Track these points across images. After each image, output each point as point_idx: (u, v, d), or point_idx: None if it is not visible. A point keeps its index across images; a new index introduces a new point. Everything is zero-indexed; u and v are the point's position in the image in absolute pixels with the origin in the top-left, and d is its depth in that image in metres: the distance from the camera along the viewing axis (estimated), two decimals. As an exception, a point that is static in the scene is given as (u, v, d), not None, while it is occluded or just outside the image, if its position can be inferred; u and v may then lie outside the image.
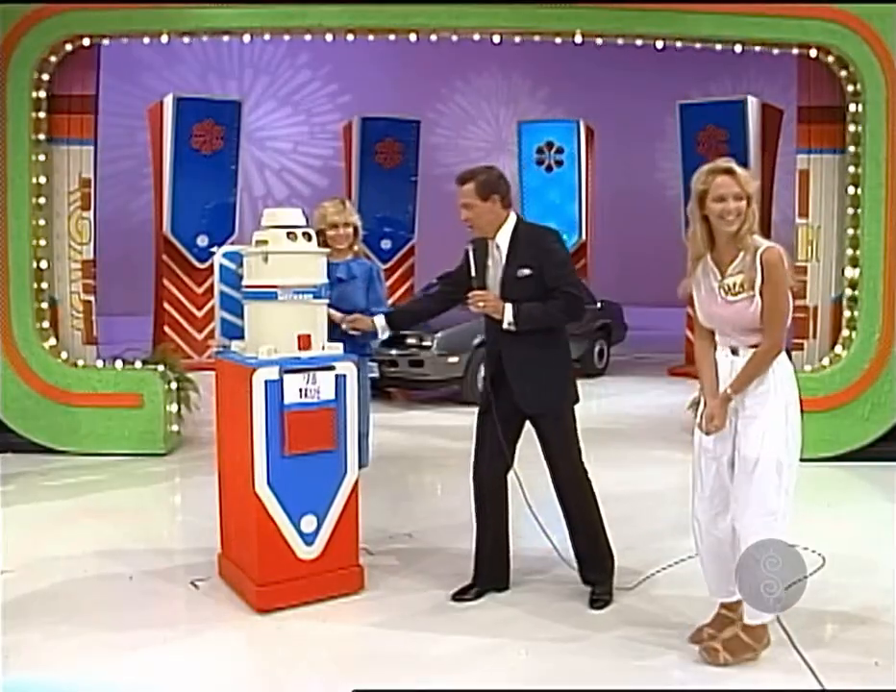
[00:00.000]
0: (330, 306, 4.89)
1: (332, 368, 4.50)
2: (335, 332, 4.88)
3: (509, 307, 4.38)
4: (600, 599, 4.59)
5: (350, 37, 7.56)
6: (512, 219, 4.53)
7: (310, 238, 4.69)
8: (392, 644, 4.23)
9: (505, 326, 4.40)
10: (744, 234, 3.79)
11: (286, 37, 7.76)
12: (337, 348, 4.64)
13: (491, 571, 4.73)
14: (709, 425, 3.91)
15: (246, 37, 7.98)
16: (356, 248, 5.36)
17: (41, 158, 7.45)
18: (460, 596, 4.67)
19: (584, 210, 12.82)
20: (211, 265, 12.33)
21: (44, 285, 7.49)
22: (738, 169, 3.81)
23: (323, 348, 4.61)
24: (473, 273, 4.51)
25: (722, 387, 3.92)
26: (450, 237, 15.66)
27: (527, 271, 4.40)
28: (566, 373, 4.60)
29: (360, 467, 4.91)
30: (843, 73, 7.33)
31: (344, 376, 4.54)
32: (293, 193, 15.32)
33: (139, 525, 5.89)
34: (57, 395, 7.39)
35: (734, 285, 3.82)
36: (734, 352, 3.91)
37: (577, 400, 4.63)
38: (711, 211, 3.80)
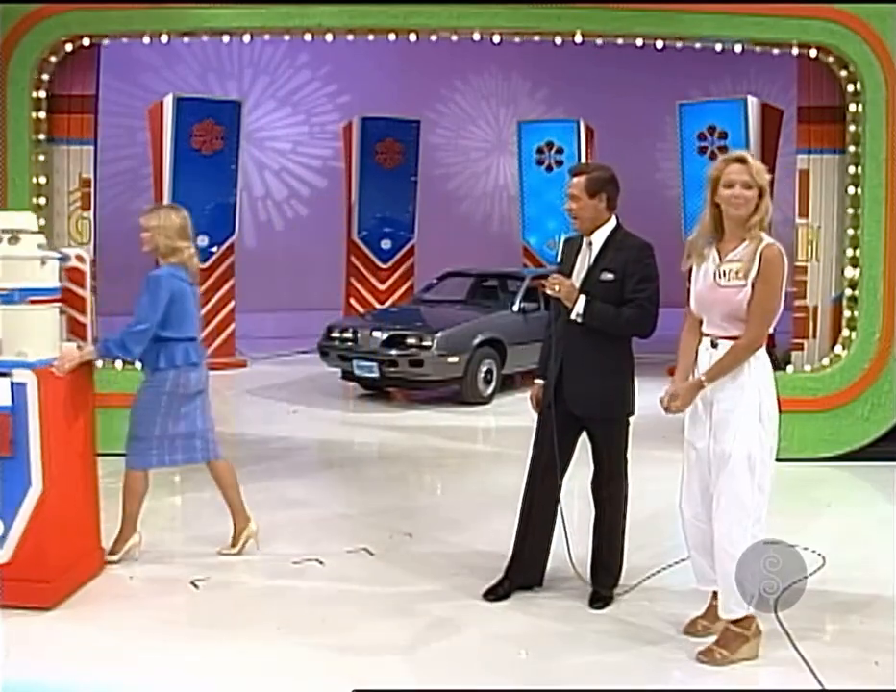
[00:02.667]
0: None
1: (6, 375, 4.45)
2: None
3: (582, 298, 4.40)
4: (601, 598, 4.61)
5: (350, 37, 7.57)
6: (612, 223, 4.54)
7: (16, 242, 4.65)
8: (392, 643, 4.23)
9: (572, 316, 4.42)
10: (753, 224, 3.87)
11: (286, 38, 7.76)
12: (25, 354, 4.56)
13: (527, 572, 4.76)
14: (672, 402, 4.02)
15: (246, 38, 7.97)
16: (169, 257, 5.33)
17: (41, 158, 7.44)
18: (491, 594, 4.68)
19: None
20: (212, 265, 12.32)
21: (44, 285, 7.48)
22: (751, 159, 3.90)
23: (20, 354, 4.55)
24: (559, 260, 4.60)
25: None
26: (450, 237, 15.67)
27: (610, 276, 4.43)
28: (624, 383, 4.58)
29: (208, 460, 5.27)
30: (843, 73, 7.33)
31: (24, 384, 4.46)
32: (292, 194, 15.29)
33: (139, 525, 5.87)
34: (57, 395, 7.37)
35: (729, 272, 3.89)
36: (714, 344, 3.96)
37: (631, 412, 4.62)
38: (721, 197, 3.90)
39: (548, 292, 4.48)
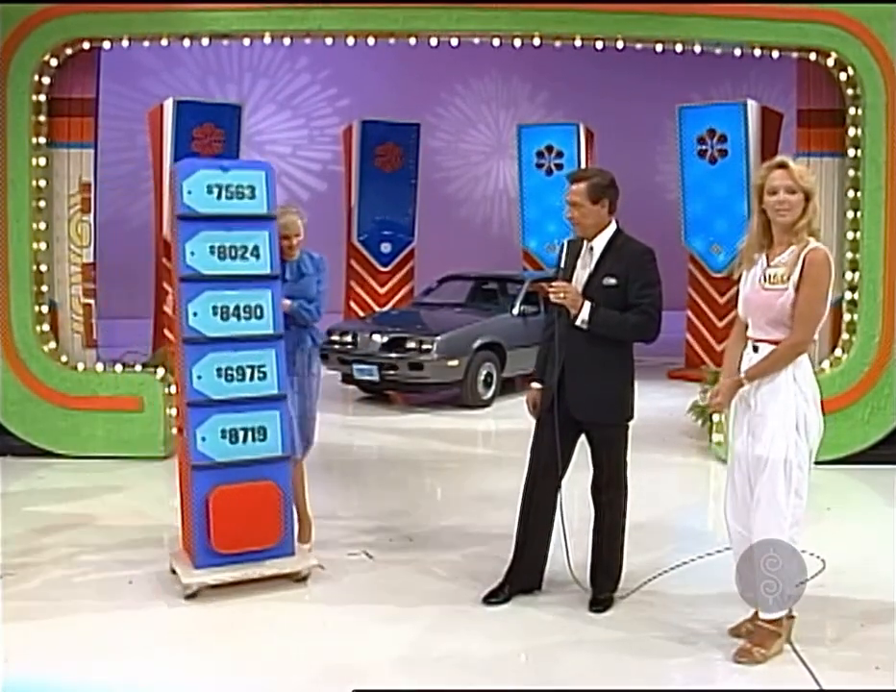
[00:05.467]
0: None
1: None
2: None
3: (587, 304, 4.39)
4: (601, 602, 4.60)
5: (350, 40, 7.56)
6: (613, 227, 4.54)
7: None
8: (392, 645, 4.23)
9: (578, 323, 4.40)
10: (800, 228, 3.90)
11: (286, 41, 7.75)
12: None
13: (527, 575, 4.76)
14: (712, 400, 4.09)
15: (246, 41, 7.97)
16: None
17: (42, 161, 7.44)
18: (491, 598, 4.68)
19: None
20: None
21: (44, 289, 7.49)
22: (792, 164, 3.93)
23: None
24: (562, 266, 4.53)
25: None
26: (450, 241, 15.68)
27: (613, 281, 4.42)
28: (625, 388, 4.58)
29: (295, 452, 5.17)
30: (843, 76, 7.33)
31: None
32: (292, 197, 15.29)
33: (139, 528, 5.88)
34: (57, 398, 7.38)
35: (773, 276, 3.92)
36: (755, 348, 3.99)
37: (631, 416, 4.62)
38: (767, 204, 3.94)
39: (552, 299, 4.46)
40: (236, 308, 4.76)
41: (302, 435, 5.31)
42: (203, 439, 4.70)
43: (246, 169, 4.93)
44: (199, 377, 4.70)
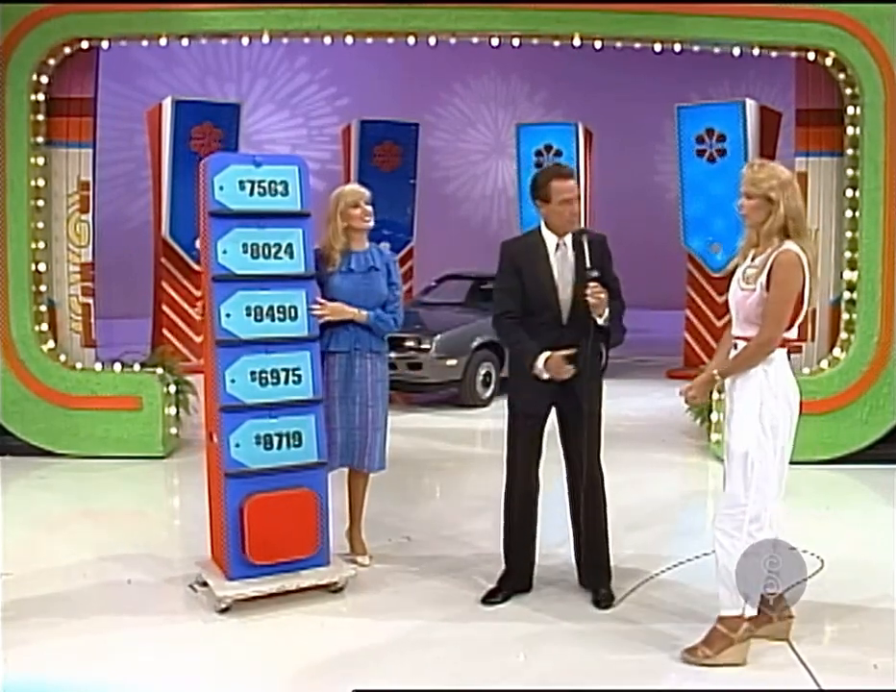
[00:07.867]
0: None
1: None
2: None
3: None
4: (604, 598, 4.61)
5: (349, 39, 7.57)
6: None
7: None
8: (391, 645, 4.23)
9: (601, 322, 4.41)
10: (766, 232, 3.92)
11: (285, 40, 7.75)
12: None
13: (519, 577, 4.76)
14: (687, 392, 4.11)
15: (245, 40, 7.97)
16: None
17: (40, 160, 7.44)
18: (489, 599, 4.68)
19: (582, 213, 12.84)
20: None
21: (43, 288, 7.49)
22: (750, 168, 3.95)
23: None
24: (588, 265, 4.40)
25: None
26: (449, 240, 15.66)
27: (596, 273, 4.41)
28: (601, 376, 4.69)
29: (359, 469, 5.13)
30: (841, 76, 7.34)
31: None
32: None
33: (138, 528, 5.88)
34: (55, 398, 7.38)
35: (748, 277, 3.97)
36: (735, 345, 4.03)
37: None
38: None
39: (591, 300, 4.34)
40: (270, 308, 4.60)
41: (358, 449, 5.14)
42: (237, 446, 4.53)
43: (279, 164, 4.75)
44: (233, 381, 4.52)
